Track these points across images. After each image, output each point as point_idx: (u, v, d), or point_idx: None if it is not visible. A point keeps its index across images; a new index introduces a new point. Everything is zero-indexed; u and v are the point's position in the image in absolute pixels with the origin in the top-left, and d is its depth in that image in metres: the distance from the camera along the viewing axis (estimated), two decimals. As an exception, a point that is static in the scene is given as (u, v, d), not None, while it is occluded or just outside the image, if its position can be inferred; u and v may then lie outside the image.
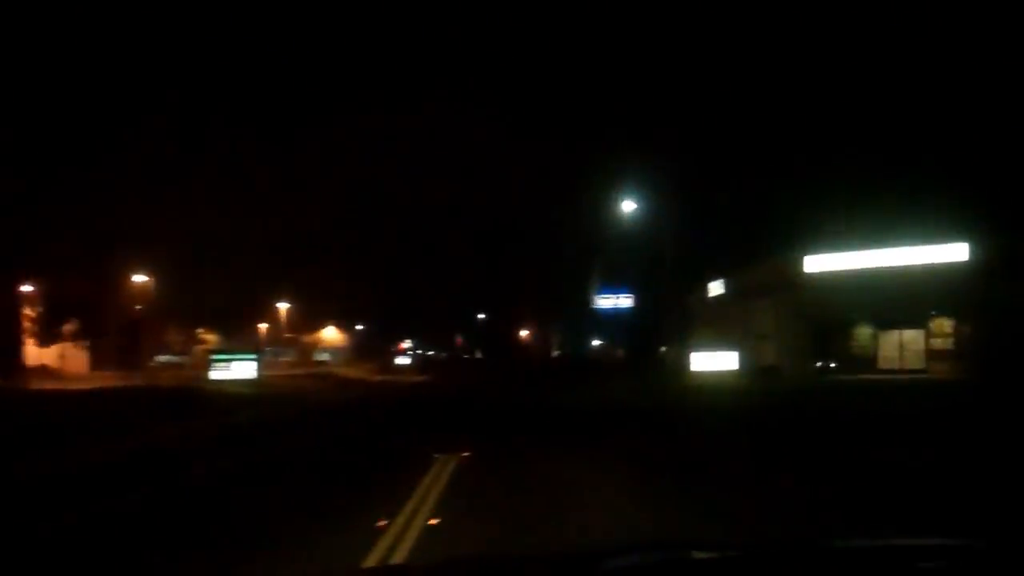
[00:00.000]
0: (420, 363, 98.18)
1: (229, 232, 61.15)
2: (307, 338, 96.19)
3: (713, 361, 45.27)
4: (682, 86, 63.60)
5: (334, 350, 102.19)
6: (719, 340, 48.37)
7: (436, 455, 14.98)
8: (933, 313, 41.75)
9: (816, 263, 43.15)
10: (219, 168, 57.48)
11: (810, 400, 30.03)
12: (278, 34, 61.11)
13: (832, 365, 44.06)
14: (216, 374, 48.80)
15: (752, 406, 29.13)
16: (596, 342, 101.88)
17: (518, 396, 37.93)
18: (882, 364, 42.80)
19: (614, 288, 74.88)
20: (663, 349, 69.23)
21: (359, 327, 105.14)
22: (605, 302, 75.71)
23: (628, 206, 44.79)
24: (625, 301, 74.99)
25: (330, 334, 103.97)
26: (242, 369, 49.57)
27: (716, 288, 57.22)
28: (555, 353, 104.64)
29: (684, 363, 45.84)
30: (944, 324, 41.82)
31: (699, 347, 46.87)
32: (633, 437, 18.91)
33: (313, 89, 69.42)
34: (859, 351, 43.86)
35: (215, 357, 50.88)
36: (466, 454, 15.30)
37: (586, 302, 78.14)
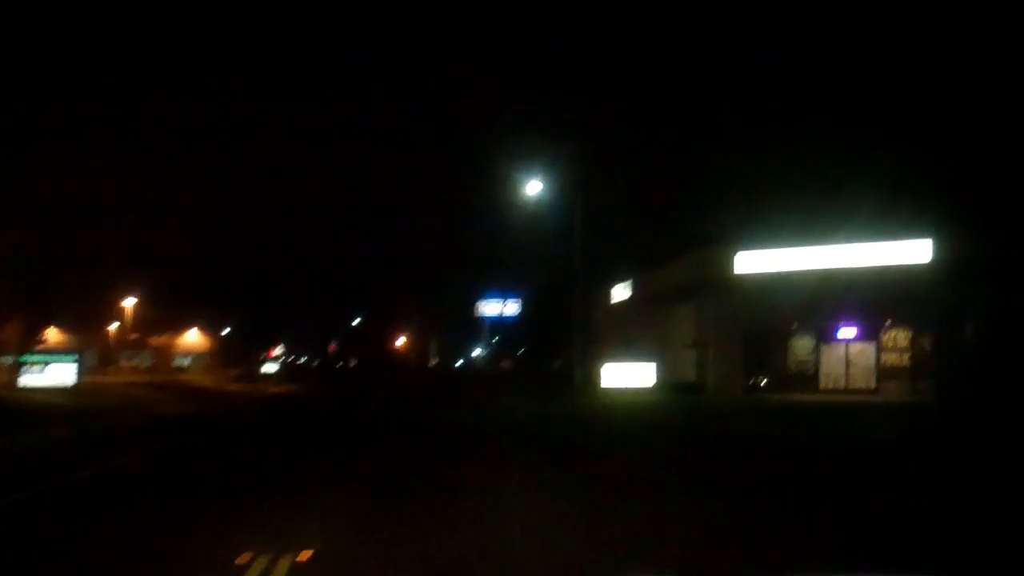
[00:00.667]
0: (287, 371, 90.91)
1: (74, 221, 52.79)
2: (158, 341, 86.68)
3: (627, 376, 38.87)
4: (590, 55, 56.59)
5: (197, 355, 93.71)
6: (631, 351, 42.04)
7: (243, 558, 7.76)
8: (887, 323, 35.98)
9: (749, 261, 36.87)
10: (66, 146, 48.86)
11: (742, 425, 24.25)
12: (121, 16, 52.28)
13: (763, 382, 37.94)
14: (27, 380, 40.74)
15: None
16: (476, 352, 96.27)
17: (394, 419, 30.28)
18: (824, 383, 36.96)
19: (500, 293, 71.02)
20: (556, 361, 63.33)
21: (226, 331, 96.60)
22: (490, 308, 72.06)
23: (533, 188, 37.81)
24: (512, 307, 71.50)
25: (193, 338, 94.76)
26: (59, 374, 41.37)
27: (621, 292, 50.98)
28: (433, 363, 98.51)
29: (592, 377, 39.23)
30: (899, 337, 36.16)
31: (611, 359, 40.37)
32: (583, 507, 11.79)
33: (170, 75, 60.82)
34: (797, 367, 37.91)
35: (24, 359, 42.27)
36: (302, 559, 7.98)
37: (469, 308, 74.14)
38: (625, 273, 49.94)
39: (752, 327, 37.37)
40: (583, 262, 39.40)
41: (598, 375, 39.07)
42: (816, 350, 37.55)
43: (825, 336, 37.30)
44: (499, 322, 74.08)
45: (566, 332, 67.05)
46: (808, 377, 37.38)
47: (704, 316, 39.24)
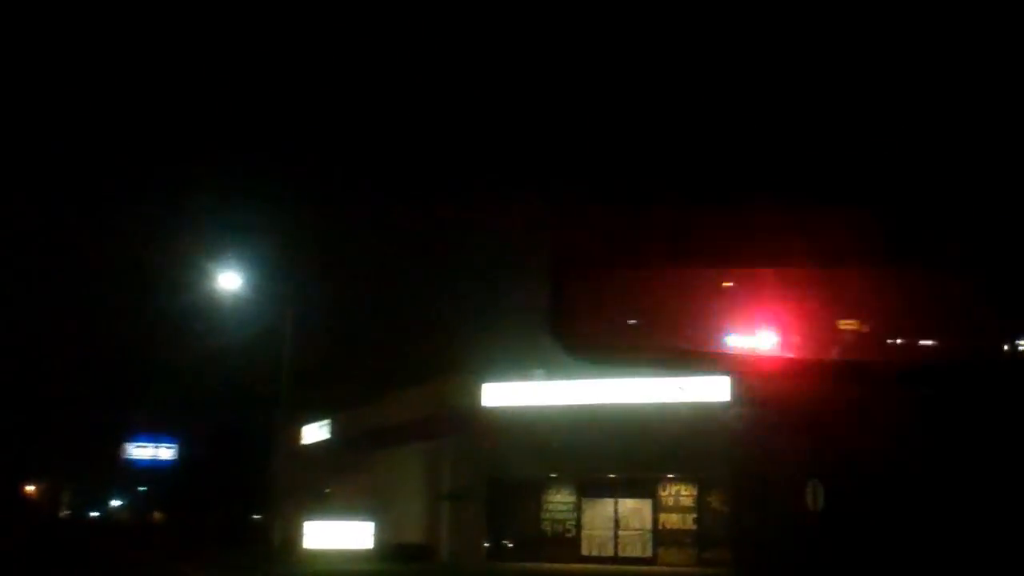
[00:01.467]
0: None
1: None
2: None
3: (336, 536, 30.22)
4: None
5: None
6: (340, 505, 33.58)
7: None
8: (667, 476, 29.50)
9: (496, 394, 29.84)
10: None
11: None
12: None
13: (509, 545, 30.42)
14: None
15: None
16: (117, 502, 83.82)
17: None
18: (588, 548, 29.89)
19: (152, 436, 64.10)
20: (225, 514, 53.70)
21: None
22: (140, 452, 64.82)
23: (231, 281, 28.64)
24: (166, 452, 64.65)
25: None
26: None
27: (315, 433, 42.28)
28: (64, 513, 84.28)
29: (292, 537, 30.21)
30: (682, 492, 29.71)
31: (315, 515, 31.59)
32: None
33: None
34: (554, 527, 30.63)
35: None
36: None
37: (115, 450, 65.57)
38: (319, 410, 41.58)
39: (498, 476, 30.03)
40: (289, 394, 30.70)
41: (300, 534, 30.07)
42: (577, 506, 30.51)
43: (589, 490, 30.45)
44: (152, 467, 65.69)
45: (239, 480, 57.17)
46: (567, 540, 30.21)
47: (438, 461, 31.43)
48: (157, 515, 74.01)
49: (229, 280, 28.34)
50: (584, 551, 29.83)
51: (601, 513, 30.23)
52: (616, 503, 30.09)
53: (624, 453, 28.05)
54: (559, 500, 30.74)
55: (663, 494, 29.83)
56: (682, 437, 27.17)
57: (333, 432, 41.17)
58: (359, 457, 36.94)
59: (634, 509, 29.95)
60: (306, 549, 29.35)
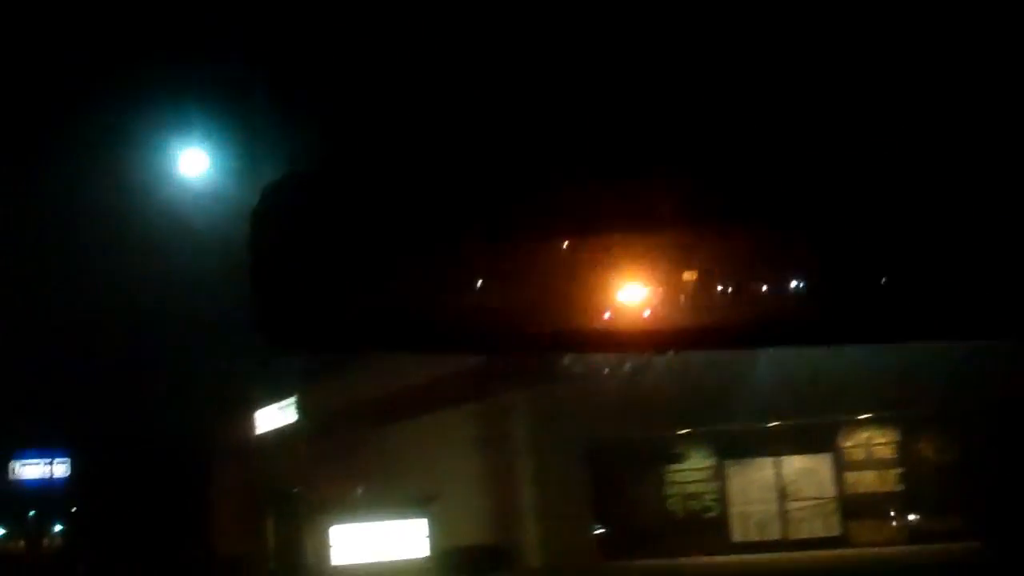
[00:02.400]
0: None
1: None
2: None
3: (376, 544, 21.34)
4: None
5: None
6: (360, 501, 24.71)
7: None
8: (858, 418, 21.17)
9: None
10: None
11: None
12: None
13: (619, 536, 21.86)
14: None
15: None
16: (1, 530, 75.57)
17: None
18: (741, 531, 21.47)
19: (44, 450, 55.95)
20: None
21: None
22: (31, 471, 56.92)
23: (196, 164, 19.10)
24: (61, 468, 56.25)
25: None
26: None
27: (275, 416, 33.68)
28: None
29: (311, 550, 21.29)
30: (877, 440, 21.42)
31: (342, 516, 22.56)
32: None
33: None
34: (688, 506, 22.10)
35: None
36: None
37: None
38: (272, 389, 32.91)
39: (601, 438, 21.39)
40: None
41: (322, 544, 21.08)
42: (719, 472, 21.96)
43: (734, 447, 21.91)
44: (46, 487, 57.35)
45: (163, 490, 49.58)
46: (709, 523, 21.72)
47: (505, 425, 22.58)
48: (53, 539, 66.25)
49: (198, 159, 18.95)
50: (736, 536, 21.32)
51: (756, 479, 21.63)
52: (778, 463, 21.70)
53: (785, 389, 19.65)
54: (691, 466, 22.08)
55: (848, 445, 21.43)
56: (870, 359, 18.83)
57: (304, 411, 32.40)
58: (358, 438, 28.02)
59: (806, 469, 21.48)
60: (336, 565, 20.43)
